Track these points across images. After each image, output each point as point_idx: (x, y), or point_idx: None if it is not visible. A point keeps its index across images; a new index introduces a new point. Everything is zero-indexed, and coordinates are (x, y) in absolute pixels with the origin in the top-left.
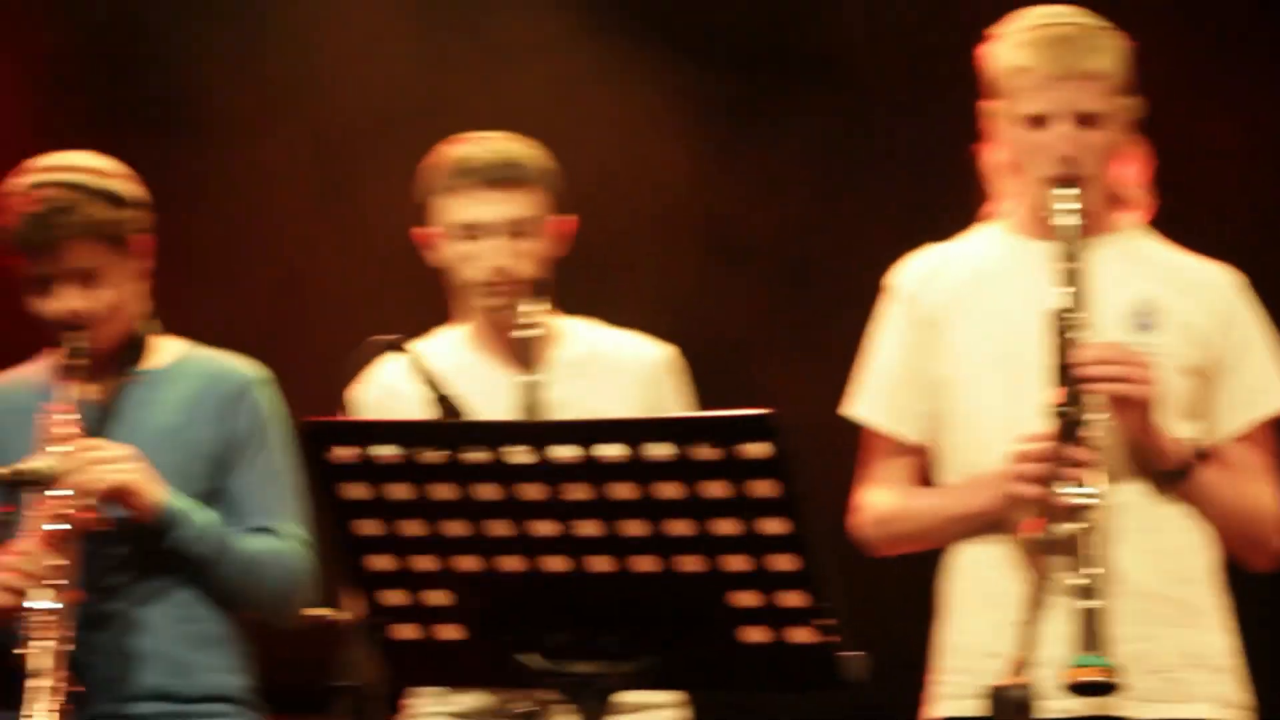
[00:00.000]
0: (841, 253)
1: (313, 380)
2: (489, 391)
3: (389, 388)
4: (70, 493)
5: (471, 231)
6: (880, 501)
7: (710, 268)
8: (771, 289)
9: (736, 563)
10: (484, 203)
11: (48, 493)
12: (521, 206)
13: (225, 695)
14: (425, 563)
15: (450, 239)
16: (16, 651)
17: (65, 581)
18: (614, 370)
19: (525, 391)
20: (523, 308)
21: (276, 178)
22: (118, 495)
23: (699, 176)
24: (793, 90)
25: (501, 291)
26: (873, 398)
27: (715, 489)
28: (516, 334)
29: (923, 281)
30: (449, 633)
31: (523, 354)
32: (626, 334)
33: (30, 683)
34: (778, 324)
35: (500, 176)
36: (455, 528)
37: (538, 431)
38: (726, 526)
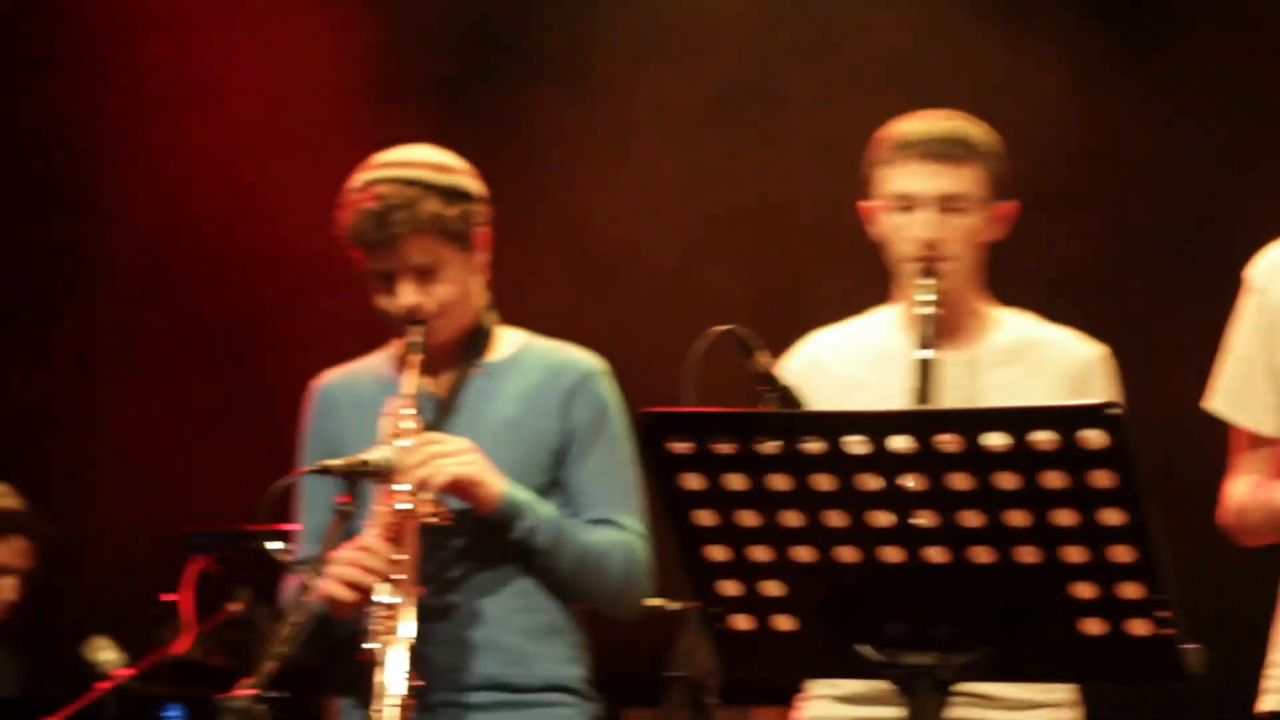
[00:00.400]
0: (1250, 226)
1: (650, 367)
2: (907, 372)
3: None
4: (411, 487)
5: (905, 203)
6: (1238, 493)
7: (1097, 242)
8: (1167, 267)
9: (1074, 554)
10: (918, 175)
11: (390, 486)
12: (956, 182)
13: (562, 685)
14: (761, 553)
15: (886, 211)
16: (364, 646)
17: (407, 576)
18: (1044, 362)
19: (918, 369)
20: (922, 282)
21: (614, 149)
22: (459, 488)
23: (1081, 140)
24: (1187, 39)
25: (926, 266)
26: (1229, 392)
27: (1053, 480)
28: (915, 310)
29: (1272, 274)
30: (783, 623)
31: (922, 330)
32: (1059, 329)
33: (376, 677)
34: (1172, 305)
35: (937, 151)
36: (791, 518)
37: (875, 422)
38: (1064, 517)
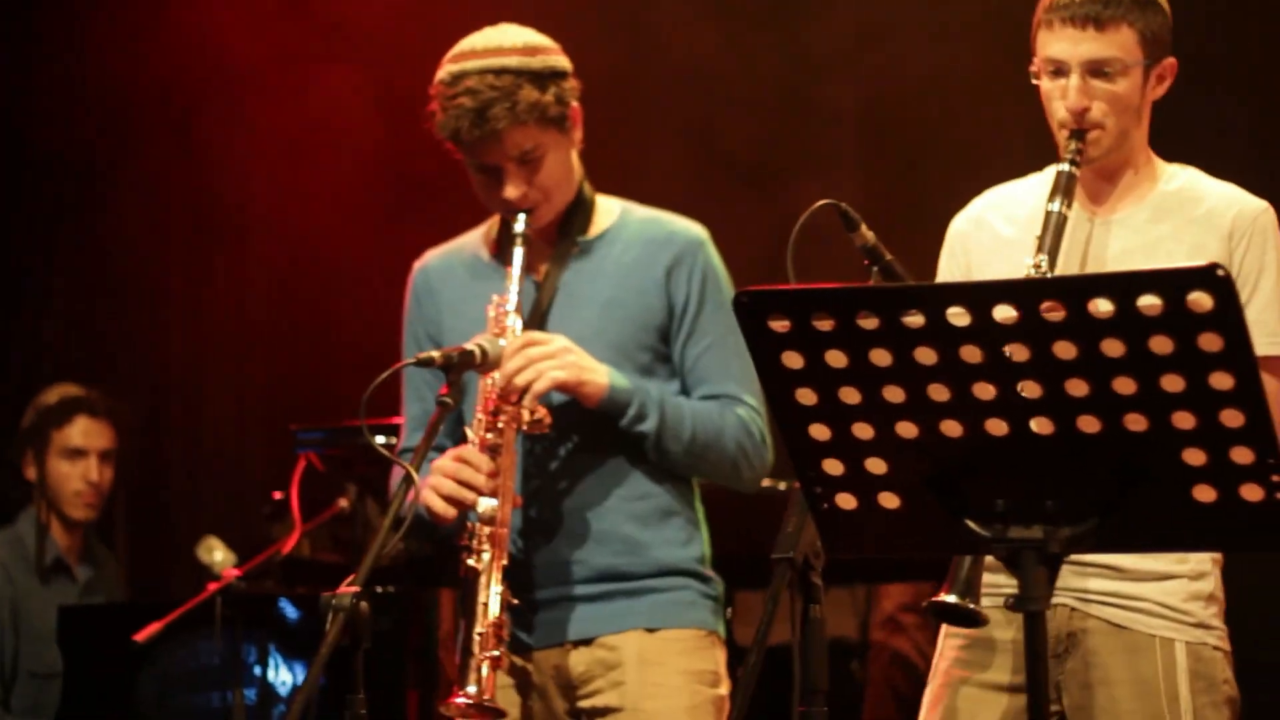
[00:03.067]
0: None
1: (752, 244)
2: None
3: None
4: (509, 393)
5: (1055, 67)
6: None
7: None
8: None
9: (1184, 419)
10: (1065, 40)
11: (490, 387)
12: (1102, 47)
13: (676, 569)
14: (863, 430)
15: (1042, 74)
16: (466, 562)
17: (506, 485)
18: (1196, 220)
19: (1046, 220)
20: (1068, 145)
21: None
22: (561, 389)
23: None
24: None
25: (1074, 131)
26: None
27: (1160, 344)
28: (1059, 167)
29: None
30: (888, 500)
31: (1056, 185)
32: (1221, 184)
33: (477, 596)
34: None
35: (1083, 14)
36: (893, 394)
37: (976, 292)
38: (1172, 383)
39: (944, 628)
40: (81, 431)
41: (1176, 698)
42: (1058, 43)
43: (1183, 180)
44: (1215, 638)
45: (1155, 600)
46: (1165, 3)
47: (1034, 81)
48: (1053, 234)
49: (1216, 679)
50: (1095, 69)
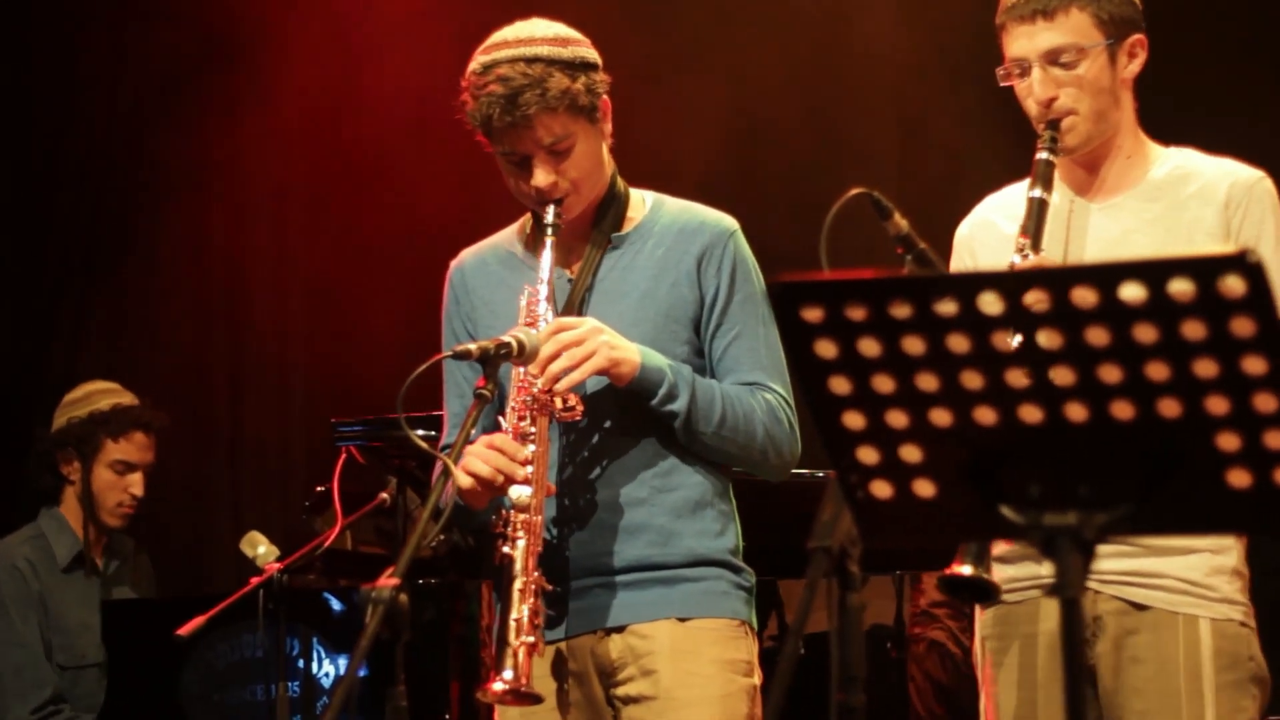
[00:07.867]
0: None
1: (784, 231)
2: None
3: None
4: (543, 383)
5: (1020, 67)
6: None
7: None
8: None
9: (1217, 404)
10: (1021, 37)
11: (524, 377)
12: (1054, 36)
13: (709, 559)
14: (898, 418)
15: (1011, 78)
16: (502, 549)
17: (539, 473)
18: (1191, 196)
19: (1029, 207)
20: (1044, 135)
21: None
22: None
23: None
24: None
25: (1049, 123)
26: None
27: (1193, 330)
28: (1037, 156)
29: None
30: (923, 488)
31: (1036, 173)
32: (1215, 159)
33: (511, 582)
34: None
35: (1030, 9)
36: (927, 382)
37: (1009, 280)
38: (1205, 368)
39: (977, 627)
40: (138, 447)
41: (1199, 676)
42: (1015, 42)
43: (1176, 160)
44: (1240, 613)
45: (1177, 576)
46: None
47: (1001, 84)
48: (1035, 219)
49: (1241, 656)
50: (1053, 58)
